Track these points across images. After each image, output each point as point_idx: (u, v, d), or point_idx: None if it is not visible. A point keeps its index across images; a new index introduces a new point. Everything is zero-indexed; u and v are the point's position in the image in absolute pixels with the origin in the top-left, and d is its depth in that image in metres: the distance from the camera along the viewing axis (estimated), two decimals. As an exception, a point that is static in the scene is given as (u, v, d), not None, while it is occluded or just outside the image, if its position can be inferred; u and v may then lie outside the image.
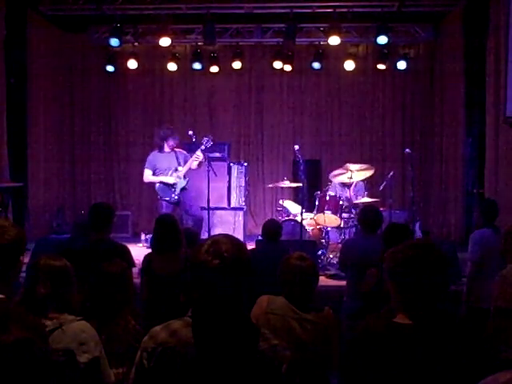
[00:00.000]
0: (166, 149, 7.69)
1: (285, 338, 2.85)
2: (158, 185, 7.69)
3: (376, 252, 4.32)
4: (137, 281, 4.61)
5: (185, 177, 7.63)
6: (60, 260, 2.76)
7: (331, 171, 8.44)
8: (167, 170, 7.64)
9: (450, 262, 2.08)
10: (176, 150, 7.73)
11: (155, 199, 10.63)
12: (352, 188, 8.19)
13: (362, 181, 8.45)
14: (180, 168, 7.62)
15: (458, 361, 1.96)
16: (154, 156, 7.78)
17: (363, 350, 2.03)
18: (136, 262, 4.57)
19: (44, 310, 2.59)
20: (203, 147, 7.56)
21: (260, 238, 5.79)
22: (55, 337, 2.52)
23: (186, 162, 7.62)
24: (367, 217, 4.95)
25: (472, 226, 6.57)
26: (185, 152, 7.82)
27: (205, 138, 7.67)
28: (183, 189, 7.63)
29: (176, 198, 7.59)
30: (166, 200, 7.62)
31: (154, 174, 7.70)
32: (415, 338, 1.97)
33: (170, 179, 7.60)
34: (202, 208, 7.80)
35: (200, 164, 7.64)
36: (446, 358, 1.95)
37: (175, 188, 7.59)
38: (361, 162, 10.16)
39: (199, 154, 7.53)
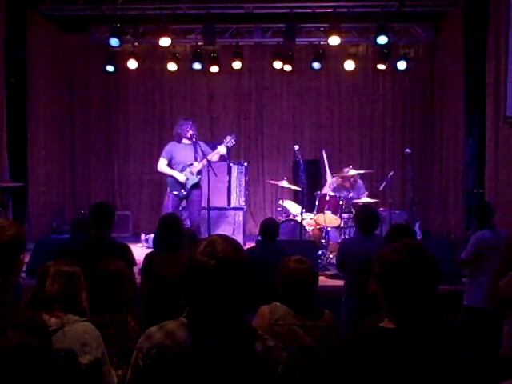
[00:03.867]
0: (185, 140, 7.63)
1: (293, 346, 2.85)
2: (169, 177, 7.66)
3: (374, 252, 4.31)
4: (138, 281, 4.61)
5: (198, 174, 7.57)
6: (71, 265, 2.79)
7: (331, 171, 8.46)
8: (182, 163, 7.55)
9: (437, 264, 2.01)
10: (196, 141, 7.55)
11: (156, 197, 10.79)
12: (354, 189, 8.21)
13: (361, 179, 8.45)
14: (196, 163, 7.53)
15: (443, 366, 1.93)
16: (171, 146, 7.70)
17: (348, 355, 2.00)
18: (136, 261, 4.58)
19: (50, 307, 2.61)
20: (224, 145, 7.52)
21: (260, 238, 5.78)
22: (57, 337, 2.53)
23: (205, 155, 7.42)
24: (364, 217, 4.95)
25: (471, 226, 6.54)
26: (204, 144, 7.71)
27: (228, 136, 7.65)
28: (195, 185, 7.59)
29: (185, 193, 7.57)
30: (174, 194, 7.60)
31: (169, 164, 7.62)
32: (398, 342, 1.94)
33: (181, 177, 7.53)
34: (202, 208, 7.78)
35: (221, 158, 7.62)
36: (430, 363, 1.91)
37: (186, 184, 7.56)
38: (361, 162, 10.21)
39: (223, 150, 7.47)
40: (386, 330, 1.98)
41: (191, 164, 7.54)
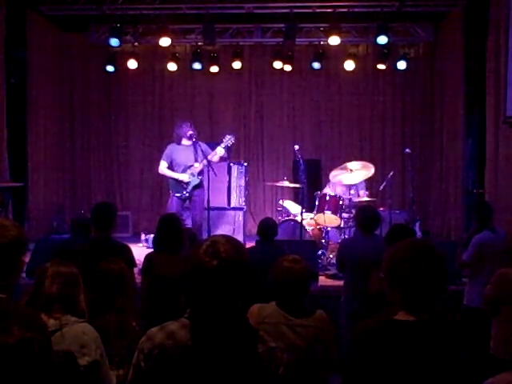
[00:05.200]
0: (185, 142, 7.63)
1: (279, 343, 2.85)
2: (170, 179, 7.68)
3: (375, 252, 4.33)
4: (138, 281, 4.61)
5: (199, 174, 7.56)
6: (69, 266, 2.79)
7: (331, 171, 8.44)
8: (183, 164, 7.58)
9: (447, 262, 2.10)
10: (196, 142, 7.58)
11: (156, 197, 10.81)
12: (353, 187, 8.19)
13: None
14: (196, 164, 7.55)
15: (460, 357, 1.96)
16: (171, 149, 7.73)
17: (364, 349, 2.02)
18: (136, 261, 4.58)
19: (49, 308, 2.61)
20: (223, 145, 7.55)
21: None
22: (56, 338, 2.52)
23: (205, 156, 7.42)
24: (365, 217, 4.94)
25: (470, 227, 6.53)
26: (205, 144, 7.72)
27: (227, 136, 7.67)
28: (196, 186, 7.60)
29: (187, 194, 7.59)
30: (177, 196, 7.61)
31: (170, 166, 7.66)
32: (418, 333, 1.98)
33: (183, 176, 7.55)
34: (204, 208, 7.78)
35: (221, 159, 7.63)
36: (448, 354, 1.96)
37: (188, 185, 7.58)
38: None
39: (221, 150, 7.48)
40: (404, 322, 2.01)
41: (191, 165, 7.56)
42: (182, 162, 7.59)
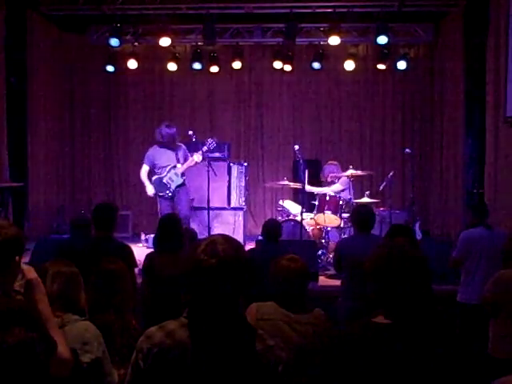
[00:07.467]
0: (167, 144, 7.73)
1: (277, 341, 2.86)
2: (153, 180, 7.76)
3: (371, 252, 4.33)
4: (139, 281, 4.61)
5: (182, 174, 7.67)
6: (68, 265, 2.80)
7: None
8: (165, 166, 7.69)
9: (426, 263, 2.07)
10: (177, 144, 7.79)
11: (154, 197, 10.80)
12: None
13: (348, 177, 8.20)
14: (179, 165, 7.66)
15: (436, 360, 1.94)
16: (153, 151, 7.83)
17: (340, 352, 2.01)
18: (137, 261, 4.58)
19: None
20: (205, 148, 7.62)
21: (260, 238, 5.79)
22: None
23: (185, 158, 7.67)
24: (360, 216, 4.97)
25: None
26: (184, 147, 7.86)
27: (209, 139, 7.74)
28: (179, 185, 7.68)
29: (170, 194, 7.66)
30: (160, 195, 7.68)
31: (153, 169, 7.76)
32: (393, 337, 1.96)
33: (149, 190, 7.72)
34: (202, 208, 7.82)
35: (197, 163, 7.75)
36: (424, 357, 1.93)
37: (170, 184, 7.64)
38: (361, 162, 10.20)
39: (199, 157, 7.60)
40: (380, 325, 2.00)
41: (175, 166, 7.65)
42: (165, 164, 7.68)
